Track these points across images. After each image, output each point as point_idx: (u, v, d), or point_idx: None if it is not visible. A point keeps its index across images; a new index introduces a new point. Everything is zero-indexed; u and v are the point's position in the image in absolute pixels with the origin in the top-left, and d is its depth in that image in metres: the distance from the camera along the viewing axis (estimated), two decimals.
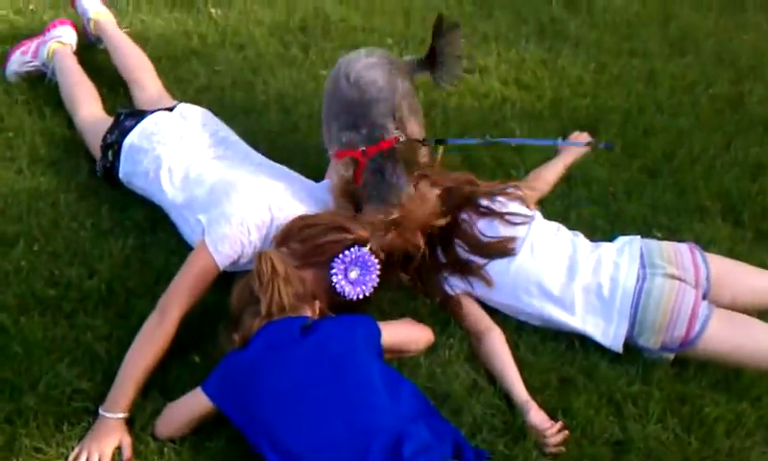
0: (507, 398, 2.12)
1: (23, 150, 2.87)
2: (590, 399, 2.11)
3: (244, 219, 2.25)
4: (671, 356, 2.20)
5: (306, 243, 2.19)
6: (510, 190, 2.39)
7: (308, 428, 1.87)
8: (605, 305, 2.22)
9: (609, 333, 2.21)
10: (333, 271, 2.16)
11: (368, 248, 2.18)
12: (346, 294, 2.17)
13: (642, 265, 2.24)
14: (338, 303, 2.20)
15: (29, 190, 2.70)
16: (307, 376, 1.93)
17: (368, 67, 2.42)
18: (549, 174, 2.78)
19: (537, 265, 2.26)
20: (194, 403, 1.99)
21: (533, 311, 2.28)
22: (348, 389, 1.92)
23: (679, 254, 2.28)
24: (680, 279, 2.21)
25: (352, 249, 2.17)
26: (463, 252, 2.31)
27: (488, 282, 2.28)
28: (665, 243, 2.35)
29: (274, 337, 2.00)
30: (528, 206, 2.37)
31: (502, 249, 2.28)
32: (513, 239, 2.28)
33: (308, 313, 2.12)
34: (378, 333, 2.09)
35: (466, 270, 2.31)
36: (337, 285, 2.16)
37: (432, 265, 2.32)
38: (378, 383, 1.95)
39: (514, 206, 2.36)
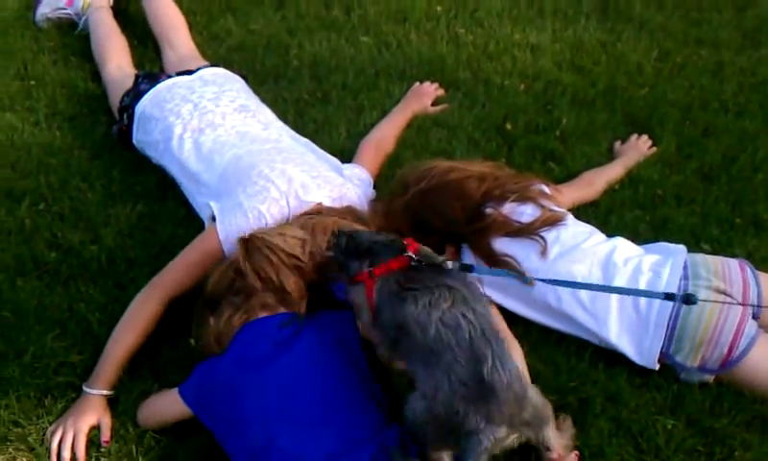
0: None
1: (43, 101, 2.78)
2: (609, 427, 1.92)
3: (261, 213, 2.11)
4: (710, 378, 2.00)
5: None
6: (533, 190, 2.20)
7: (298, 441, 1.72)
8: (640, 317, 2.02)
9: (643, 348, 2.02)
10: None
11: None
12: None
13: (685, 276, 2.03)
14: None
15: (43, 144, 2.61)
16: (297, 384, 1.79)
17: None
18: (600, 178, 2.55)
19: (568, 271, 2.07)
20: (173, 404, 1.87)
21: (562, 317, 2.10)
22: (341, 393, 1.79)
23: (727, 268, 2.06)
24: (726, 294, 2.00)
25: None
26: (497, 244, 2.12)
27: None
28: (712, 256, 2.14)
29: (252, 348, 1.85)
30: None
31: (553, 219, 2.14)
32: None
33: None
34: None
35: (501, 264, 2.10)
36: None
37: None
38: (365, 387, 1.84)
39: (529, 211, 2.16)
